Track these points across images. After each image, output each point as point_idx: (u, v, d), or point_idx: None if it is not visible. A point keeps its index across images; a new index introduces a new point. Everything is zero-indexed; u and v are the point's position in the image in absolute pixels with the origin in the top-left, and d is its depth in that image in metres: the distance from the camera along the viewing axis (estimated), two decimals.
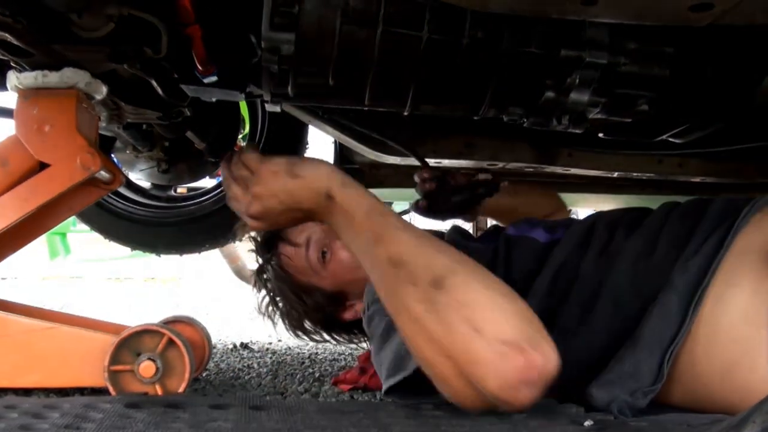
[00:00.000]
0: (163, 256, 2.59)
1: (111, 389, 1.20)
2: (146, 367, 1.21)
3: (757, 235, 1.04)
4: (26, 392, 1.30)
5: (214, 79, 1.34)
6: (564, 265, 1.23)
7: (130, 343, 1.23)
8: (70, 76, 1.22)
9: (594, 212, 1.41)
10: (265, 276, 1.62)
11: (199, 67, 1.28)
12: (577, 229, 1.30)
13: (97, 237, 2.50)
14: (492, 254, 1.35)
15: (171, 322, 1.46)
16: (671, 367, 0.98)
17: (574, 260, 1.22)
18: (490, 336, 0.85)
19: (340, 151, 2.35)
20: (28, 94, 1.23)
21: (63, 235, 8.54)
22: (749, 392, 0.94)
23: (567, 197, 2.51)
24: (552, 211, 1.90)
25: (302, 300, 1.55)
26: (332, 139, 2.22)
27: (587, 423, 0.89)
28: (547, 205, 1.93)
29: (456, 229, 1.64)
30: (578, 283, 1.17)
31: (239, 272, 4.88)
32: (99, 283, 5.35)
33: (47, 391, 1.33)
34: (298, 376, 1.76)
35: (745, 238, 1.03)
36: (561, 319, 1.14)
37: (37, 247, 7.51)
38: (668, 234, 1.14)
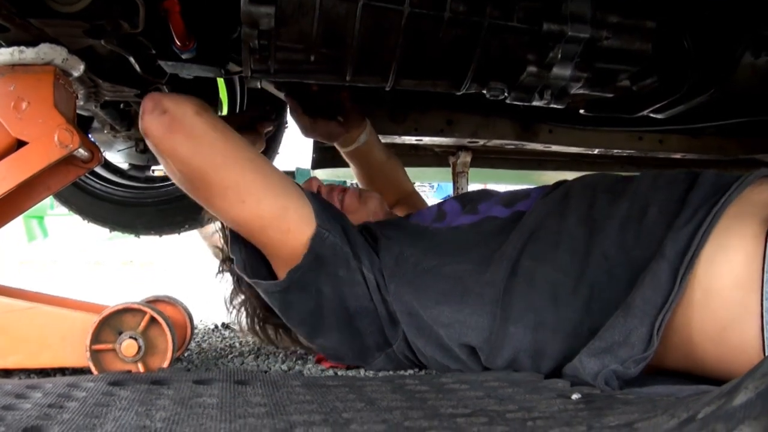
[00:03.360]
0: (141, 239, 2.57)
1: (93, 369, 1.19)
2: (128, 346, 1.20)
3: (751, 201, 1.04)
4: (6, 373, 1.29)
5: (192, 54, 1.32)
6: (539, 230, 1.21)
7: (112, 322, 1.22)
8: (47, 52, 1.20)
9: (559, 180, 1.37)
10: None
11: (177, 42, 1.26)
12: (552, 196, 1.29)
13: (75, 220, 2.46)
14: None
15: (153, 301, 1.45)
16: (665, 332, 0.98)
17: (552, 226, 1.20)
18: None
19: None
20: (4, 71, 1.21)
21: (41, 218, 8.46)
22: (741, 356, 0.96)
23: (547, 175, 2.52)
24: (408, 192, 1.95)
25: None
26: None
27: (575, 396, 0.90)
28: (405, 183, 1.96)
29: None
30: (562, 250, 1.15)
31: (218, 253, 4.81)
32: (77, 266, 5.30)
33: (28, 372, 1.32)
34: (280, 354, 1.75)
35: (739, 204, 1.04)
36: (547, 285, 1.13)
37: (15, 231, 7.44)
38: (658, 199, 1.13)
